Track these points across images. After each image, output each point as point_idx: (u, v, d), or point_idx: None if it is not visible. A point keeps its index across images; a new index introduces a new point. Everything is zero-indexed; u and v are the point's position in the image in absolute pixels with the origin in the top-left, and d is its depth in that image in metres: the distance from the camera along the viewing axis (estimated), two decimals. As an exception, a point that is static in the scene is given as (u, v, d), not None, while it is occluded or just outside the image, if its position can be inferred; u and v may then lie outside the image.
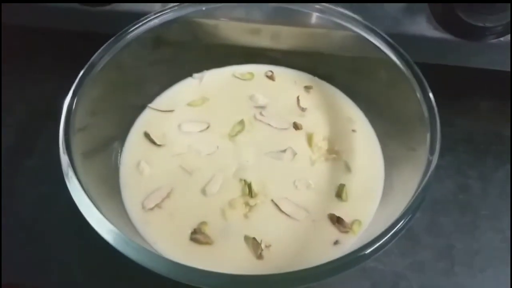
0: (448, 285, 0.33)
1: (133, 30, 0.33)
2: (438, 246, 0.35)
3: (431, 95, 0.30)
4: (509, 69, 0.37)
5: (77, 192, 0.25)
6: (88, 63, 0.31)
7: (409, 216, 0.25)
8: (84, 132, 0.30)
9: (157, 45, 0.35)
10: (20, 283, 0.33)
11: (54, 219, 0.36)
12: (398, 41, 0.32)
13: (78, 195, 0.25)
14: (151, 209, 0.31)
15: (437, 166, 0.39)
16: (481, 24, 0.33)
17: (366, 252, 0.23)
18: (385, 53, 0.32)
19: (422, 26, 0.36)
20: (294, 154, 0.33)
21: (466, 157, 0.40)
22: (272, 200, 0.31)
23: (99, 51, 0.31)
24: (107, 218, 0.24)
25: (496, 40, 0.35)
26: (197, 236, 0.29)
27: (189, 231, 0.30)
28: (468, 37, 0.35)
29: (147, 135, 0.34)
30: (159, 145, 0.34)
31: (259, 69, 0.39)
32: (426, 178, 0.27)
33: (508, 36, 0.35)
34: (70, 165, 0.26)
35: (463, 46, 0.36)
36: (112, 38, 0.32)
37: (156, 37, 0.35)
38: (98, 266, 0.34)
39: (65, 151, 0.26)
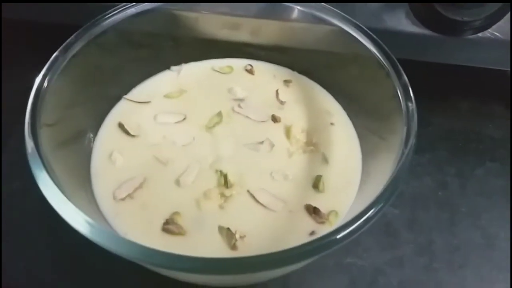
0: (428, 281, 0.33)
1: (108, 18, 0.32)
2: (418, 242, 0.35)
3: (410, 89, 0.30)
4: (487, 66, 0.37)
5: (43, 179, 0.24)
6: (61, 47, 0.30)
7: (381, 204, 0.24)
8: (54, 121, 0.29)
9: (134, 35, 0.35)
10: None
11: (27, 215, 0.35)
12: (376, 36, 0.32)
13: (44, 181, 0.24)
14: (123, 199, 0.30)
15: (416, 163, 0.39)
16: (459, 18, 0.33)
17: (337, 237, 0.23)
18: (365, 46, 0.32)
19: (401, 21, 0.36)
20: (272, 145, 0.33)
21: (445, 155, 0.40)
22: (248, 191, 0.30)
23: (73, 36, 0.31)
24: (75, 206, 0.23)
25: (474, 36, 0.35)
26: (170, 226, 0.28)
27: (162, 222, 0.29)
28: (446, 32, 0.35)
29: (121, 126, 0.34)
30: (133, 136, 0.33)
31: (238, 63, 0.38)
32: (398, 168, 0.26)
33: (486, 32, 0.35)
34: (36, 150, 0.25)
35: (441, 41, 0.36)
36: (86, 25, 0.31)
37: (134, 27, 0.34)
38: (71, 262, 0.33)
39: (30, 135, 0.25)
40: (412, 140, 0.28)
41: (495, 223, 0.36)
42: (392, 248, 0.34)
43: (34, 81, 0.28)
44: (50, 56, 0.30)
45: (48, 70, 0.28)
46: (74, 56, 0.30)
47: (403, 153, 0.27)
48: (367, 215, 0.23)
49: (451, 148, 0.40)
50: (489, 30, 0.35)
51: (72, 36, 0.31)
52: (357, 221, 0.23)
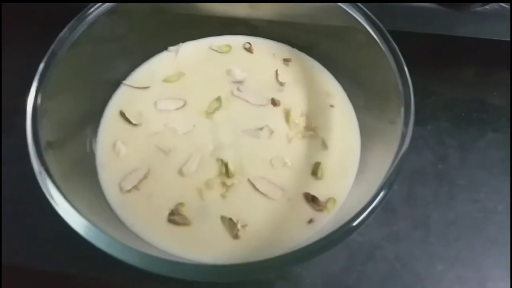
0: (422, 254, 0.34)
1: (99, 6, 0.31)
2: (415, 216, 0.36)
3: (405, 68, 0.29)
4: (494, 38, 0.36)
5: (46, 183, 0.25)
6: (54, 44, 0.29)
7: (385, 192, 0.26)
8: (54, 115, 0.29)
9: (129, 18, 0.34)
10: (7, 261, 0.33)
11: (38, 197, 0.36)
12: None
13: (47, 186, 0.25)
14: (129, 190, 0.31)
15: (418, 136, 0.39)
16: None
17: (334, 238, 0.24)
18: (361, 24, 0.31)
19: (405, -6, 0.34)
20: (271, 132, 0.33)
21: (447, 126, 0.40)
22: (248, 180, 0.31)
23: (65, 29, 0.30)
24: (77, 210, 0.24)
25: (481, 8, 0.33)
26: (175, 217, 0.30)
27: (167, 212, 0.30)
28: (453, 6, 0.33)
29: (122, 114, 0.34)
30: (135, 125, 0.34)
31: (237, 41, 0.37)
32: (401, 154, 0.27)
33: (494, 4, 0.33)
34: (39, 161, 0.26)
35: (448, 14, 0.34)
36: (78, 15, 0.31)
37: (128, 9, 0.33)
38: (82, 243, 0.34)
39: (33, 144, 0.26)
40: (411, 122, 0.28)
41: (493, 196, 0.36)
42: (390, 224, 0.35)
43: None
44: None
45: (43, 71, 0.28)
46: (69, 49, 0.30)
47: (403, 134, 0.28)
48: (372, 205, 0.25)
49: (454, 118, 0.40)
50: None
51: (65, 29, 0.30)
52: (366, 209, 0.24)
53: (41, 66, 0.29)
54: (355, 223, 0.25)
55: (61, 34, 0.30)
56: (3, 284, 0.32)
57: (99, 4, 0.31)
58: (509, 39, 0.36)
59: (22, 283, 0.33)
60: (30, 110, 0.27)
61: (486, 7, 0.33)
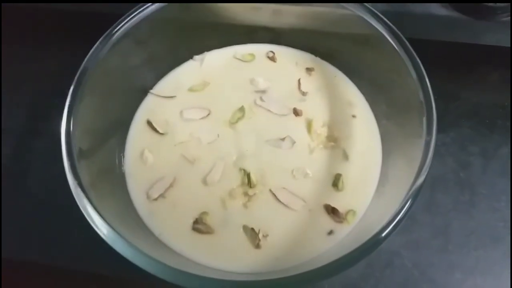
0: (441, 263, 0.35)
1: (128, 21, 0.32)
2: (435, 224, 0.36)
3: (426, 78, 0.29)
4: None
5: (80, 197, 0.27)
6: (84, 61, 0.31)
7: (410, 204, 0.27)
8: (85, 126, 0.30)
9: (155, 28, 0.35)
10: (32, 260, 0.34)
11: (67, 200, 0.38)
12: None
13: (81, 200, 0.27)
14: (156, 199, 0.32)
15: (440, 143, 0.39)
16: (491, 4, 0.31)
17: (362, 250, 0.25)
18: (381, 33, 0.31)
19: (431, 4, 0.34)
20: (293, 142, 0.34)
21: (470, 133, 0.39)
22: (270, 190, 0.32)
23: (96, 45, 0.31)
24: (109, 224, 0.26)
25: (507, 18, 0.33)
26: (199, 226, 0.31)
27: (191, 221, 0.31)
28: (476, 15, 0.33)
29: (149, 123, 0.35)
30: (161, 134, 0.35)
31: (260, 50, 0.38)
32: (425, 167, 0.27)
33: (520, 14, 0.33)
34: (73, 175, 0.27)
35: (473, 24, 0.34)
36: (107, 32, 0.32)
37: (154, 21, 0.34)
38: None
39: (67, 159, 0.27)
40: (434, 135, 0.28)
41: (515, 205, 0.36)
42: (409, 231, 0.36)
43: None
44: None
45: (75, 89, 0.30)
46: (100, 62, 0.31)
47: (426, 146, 0.28)
48: (396, 220, 0.25)
49: (477, 125, 0.40)
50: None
51: (97, 44, 0.32)
52: (393, 220, 0.25)
53: (73, 84, 0.30)
54: (383, 234, 0.25)
55: (92, 51, 0.31)
56: (31, 280, 0.34)
57: (126, 19, 0.32)
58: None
59: (52, 282, 0.35)
60: (64, 129, 0.29)
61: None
